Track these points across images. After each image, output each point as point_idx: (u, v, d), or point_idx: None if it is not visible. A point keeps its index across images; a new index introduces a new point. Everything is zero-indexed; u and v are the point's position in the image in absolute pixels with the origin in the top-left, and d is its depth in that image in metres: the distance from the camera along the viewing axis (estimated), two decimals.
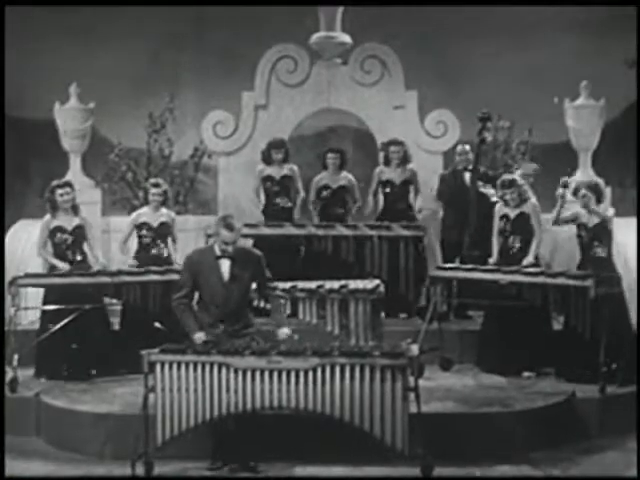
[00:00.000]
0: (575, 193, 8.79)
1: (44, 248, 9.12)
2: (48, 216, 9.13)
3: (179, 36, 12.88)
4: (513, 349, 8.79)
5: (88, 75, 11.88)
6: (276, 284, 8.35)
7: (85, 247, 9.18)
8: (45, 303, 8.99)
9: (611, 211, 8.81)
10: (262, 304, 7.44)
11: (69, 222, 9.12)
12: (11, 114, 12.09)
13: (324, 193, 10.48)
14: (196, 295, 7.39)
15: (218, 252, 7.20)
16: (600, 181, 9.25)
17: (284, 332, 7.30)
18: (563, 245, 10.18)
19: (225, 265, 7.19)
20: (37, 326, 9.14)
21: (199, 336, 7.16)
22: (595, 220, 8.65)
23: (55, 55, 12.62)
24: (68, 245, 9.09)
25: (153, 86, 12.56)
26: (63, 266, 8.97)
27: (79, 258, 9.11)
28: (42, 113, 11.82)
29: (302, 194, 10.50)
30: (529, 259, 8.90)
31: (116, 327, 9.35)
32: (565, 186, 8.81)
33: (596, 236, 8.66)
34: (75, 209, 9.17)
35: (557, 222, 8.85)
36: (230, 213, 7.64)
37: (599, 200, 8.73)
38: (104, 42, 12.64)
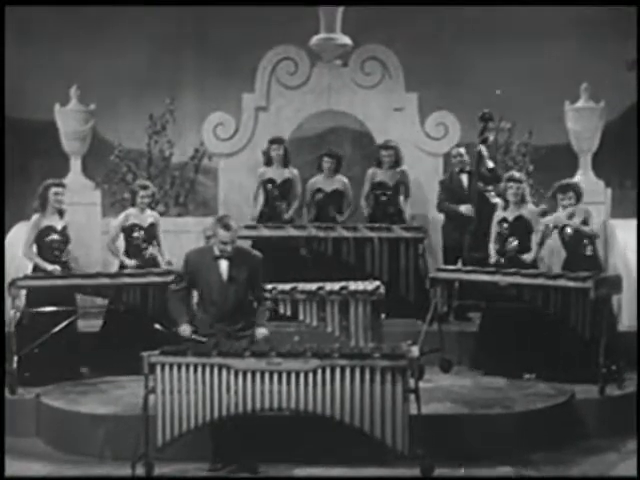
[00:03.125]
0: (554, 196, 8.83)
1: (30, 248, 9.06)
2: (37, 215, 9.07)
3: (179, 37, 12.87)
4: (511, 351, 8.81)
5: (88, 76, 11.89)
6: (274, 286, 8.37)
7: (68, 249, 9.19)
8: (28, 306, 8.91)
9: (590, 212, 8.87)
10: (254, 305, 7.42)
11: (57, 222, 9.11)
12: (11, 115, 12.08)
13: (318, 196, 10.50)
14: (196, 296, 7.43)
15: (217, 252, 7.22)
16: (576, 180, 9.27)
17: (261, 332, 7.29)
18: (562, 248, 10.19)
19: (224, 265, 7.21)
20: None
21: (184, 328, 7.22)
22: (578, 220, 8.69)
23: (55, 56, 12.61)
24: (57, 245, 9.07)
25: (153, 88, 12.55)
26: (54, 268, 8.94)
27: (64, 259, 9.11)
28: (42, 114, 11.82)
29: (298, 201, 10.52)
30: (531, 255, 8.91)
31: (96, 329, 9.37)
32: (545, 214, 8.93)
33: (583, 234, 8.69)
34: (61, 212, 9.15)
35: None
36: (227, 214, 7.63)
37: (578, 199, 8.77)
38: (104, 43, 12.62)
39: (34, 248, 9.07)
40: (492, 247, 9.14)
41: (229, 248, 7.18)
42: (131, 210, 9.51)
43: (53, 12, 12.41)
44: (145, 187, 9.50)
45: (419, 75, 11.53)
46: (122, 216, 9.52)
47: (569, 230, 8.72)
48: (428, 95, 11.39)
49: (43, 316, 8.81)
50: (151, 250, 9.38)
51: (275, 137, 10.64)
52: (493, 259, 9.07)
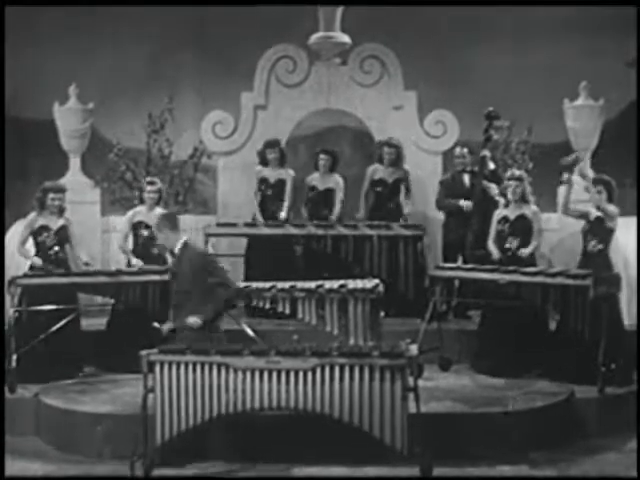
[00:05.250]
0: (587, 188, 8.79)
1: (23, 246, 9.11)
2: (34, 214, 9.14)
3: (179, 36, 12.87)
4: (512, 350, 8.79)
5: (88, 75, 11.89)
6: (273, 284, 8.35)
7: (67, 248, 9.18)
8: (20, 304, 8.91)
9: (615, 210, 8.78)
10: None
11: (54, 222, 9.13)
12: (11, 114, 12.08)
13: (311, 194, 10.49)
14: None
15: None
16: (608, 178, 9.24)
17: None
18: (564, 243, 10.19)
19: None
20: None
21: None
22: (596, 214, 8.66)
23: (55, 55, 12.61)
24: (51, 245, 9.08)
25: (152, 86, 12.55)
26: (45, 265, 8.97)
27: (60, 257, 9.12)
28: (42, 113, 11.81)
29: (288, 201, 10.44)
30: (527, 250, 8.87)
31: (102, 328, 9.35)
32: (568, 168, 8.80)
33: (593, 229, 8.66)
34: (61, 210, 9.16)
35: (565, 211, 8.84)
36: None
37: (610, 198, 8.72)
38: (103, 42, 12.63)
39: (32, 247, 9.09)
40: (491, 243, 9.11)
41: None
42: (139, 208, 9.54)
43: (53, 12, 12.40)
44: (152, 183, 9.51)
45: (418, 73, 11.53)
46: (130, 213, 9.57)
47: (586, 225, 8.69)
48: (427, 93, 11.39)
49: (43, 315, 8.79)
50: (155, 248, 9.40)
51: (270, 140, 10.56)
52: (496, 256, 9.02)
